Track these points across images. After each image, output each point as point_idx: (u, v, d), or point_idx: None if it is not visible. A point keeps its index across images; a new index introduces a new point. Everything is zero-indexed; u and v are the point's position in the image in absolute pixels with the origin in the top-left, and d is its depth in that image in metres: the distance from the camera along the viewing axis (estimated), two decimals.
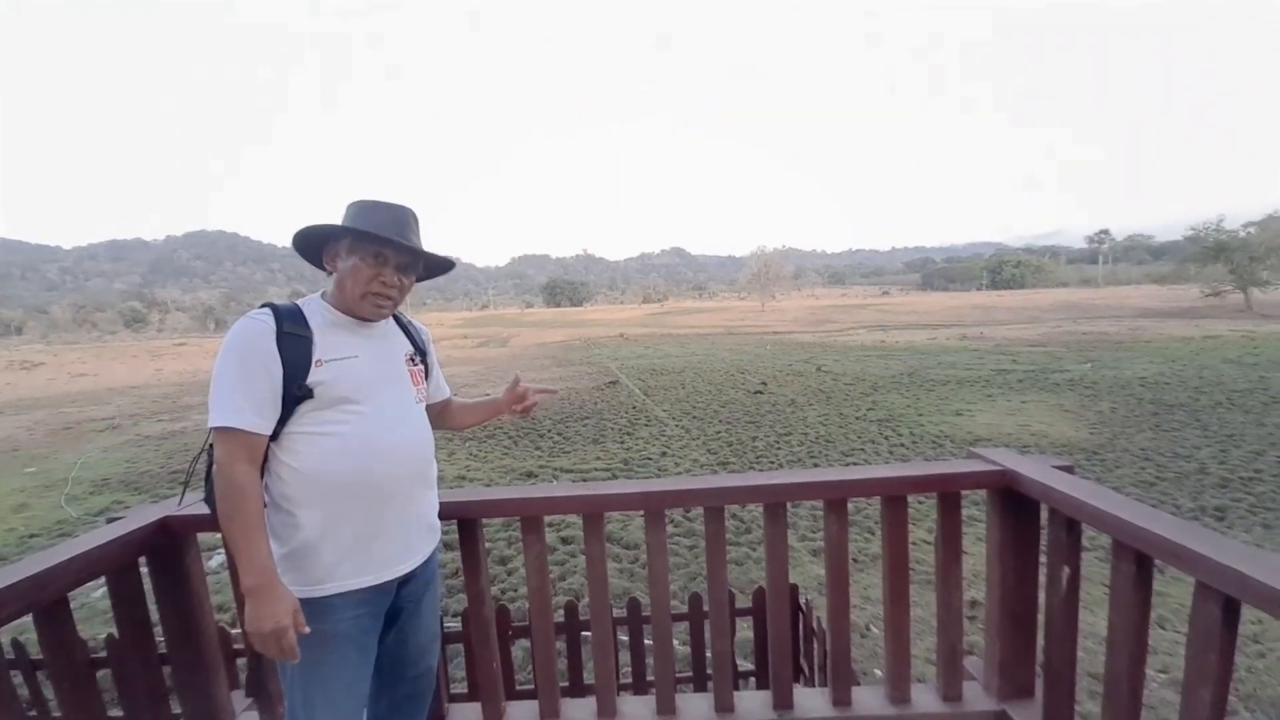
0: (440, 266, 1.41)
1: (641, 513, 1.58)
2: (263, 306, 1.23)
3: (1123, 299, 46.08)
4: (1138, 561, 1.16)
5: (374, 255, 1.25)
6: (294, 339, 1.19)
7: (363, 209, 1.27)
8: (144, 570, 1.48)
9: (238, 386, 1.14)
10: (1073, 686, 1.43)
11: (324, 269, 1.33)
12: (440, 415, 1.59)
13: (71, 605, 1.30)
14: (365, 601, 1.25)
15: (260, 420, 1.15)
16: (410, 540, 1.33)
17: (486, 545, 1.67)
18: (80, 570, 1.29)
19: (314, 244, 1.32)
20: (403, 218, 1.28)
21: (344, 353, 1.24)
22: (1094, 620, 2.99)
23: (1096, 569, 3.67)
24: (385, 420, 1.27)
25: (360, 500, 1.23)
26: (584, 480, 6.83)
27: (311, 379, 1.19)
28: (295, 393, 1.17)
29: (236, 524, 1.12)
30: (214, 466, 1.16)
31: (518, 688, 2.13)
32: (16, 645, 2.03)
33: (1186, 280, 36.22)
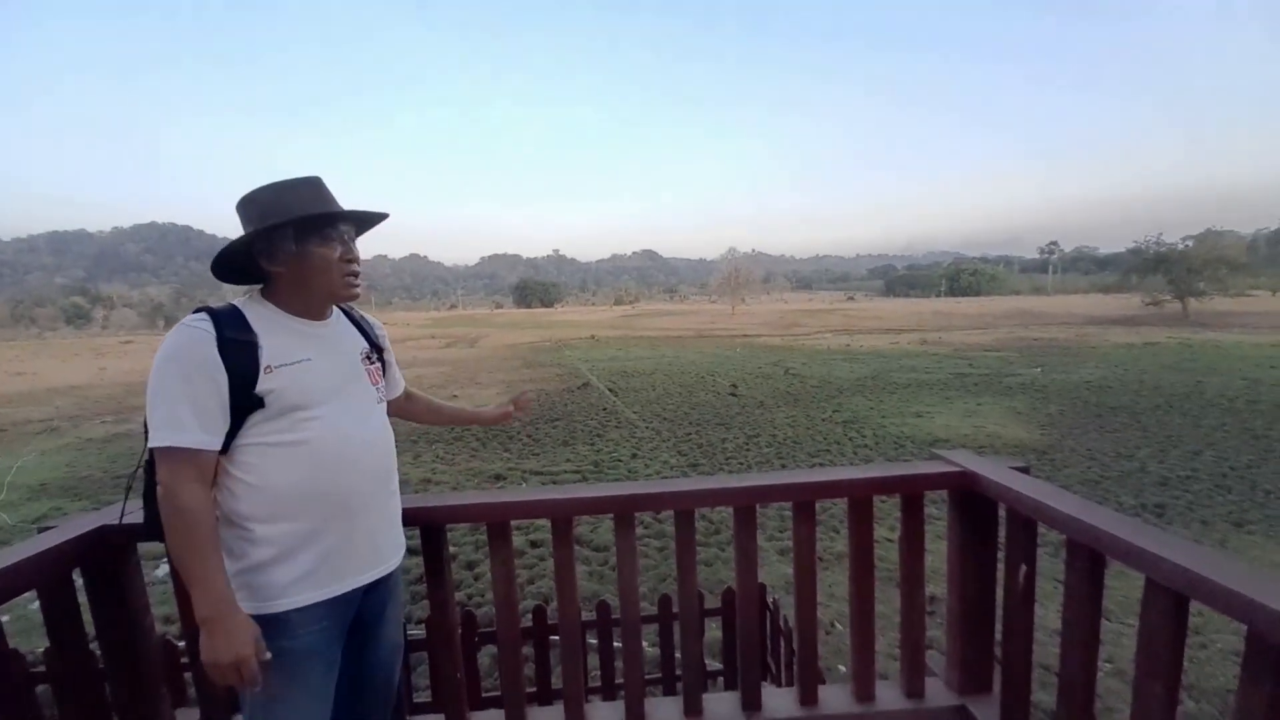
0: (371, 221, 1.32)
1: (611, 516, 1.56)
2: (197, 311, 1.13)
3: (1070, 307, 48.29)
4: (1091, 559, 1.20)
5: (327, 238, 1.17)
6: (237, 344, 1.10)
7: (278, 194, 1.16)
8: (80, 582, 1.39)
9: (180, 401, 1.05)
10: (1029, 680, 1.47)
11: (254, 280, 1.23)
12: (402, 410, 1.57)
13: (9, 616, 1.21)
14: (328, 614, 1.19)
15: (207, 436, 1.07)
16: (374, 550, 1.27)
17: (452, 550, 1.63)
18: (9, 584, 1.20)
19: (238, 259, 1.20)
20: (319, 185, 1.20)
21: (294, 356, 1.16)
22: (1045, 614, 3.10)
23: (1048, 565, 3.82)
24: (344, 426, 1.20)
25: (321, 512, 1.16)
26: (553, 483, 6.77)
27: (261, 387, 1.11)
28: (244, 403, 1.10)
29: (188, 551, 1.04)
30: (158, 489, 1.07)
31: (483, 695, 2.09)
32: None
33: (1129, 290, 38.24)
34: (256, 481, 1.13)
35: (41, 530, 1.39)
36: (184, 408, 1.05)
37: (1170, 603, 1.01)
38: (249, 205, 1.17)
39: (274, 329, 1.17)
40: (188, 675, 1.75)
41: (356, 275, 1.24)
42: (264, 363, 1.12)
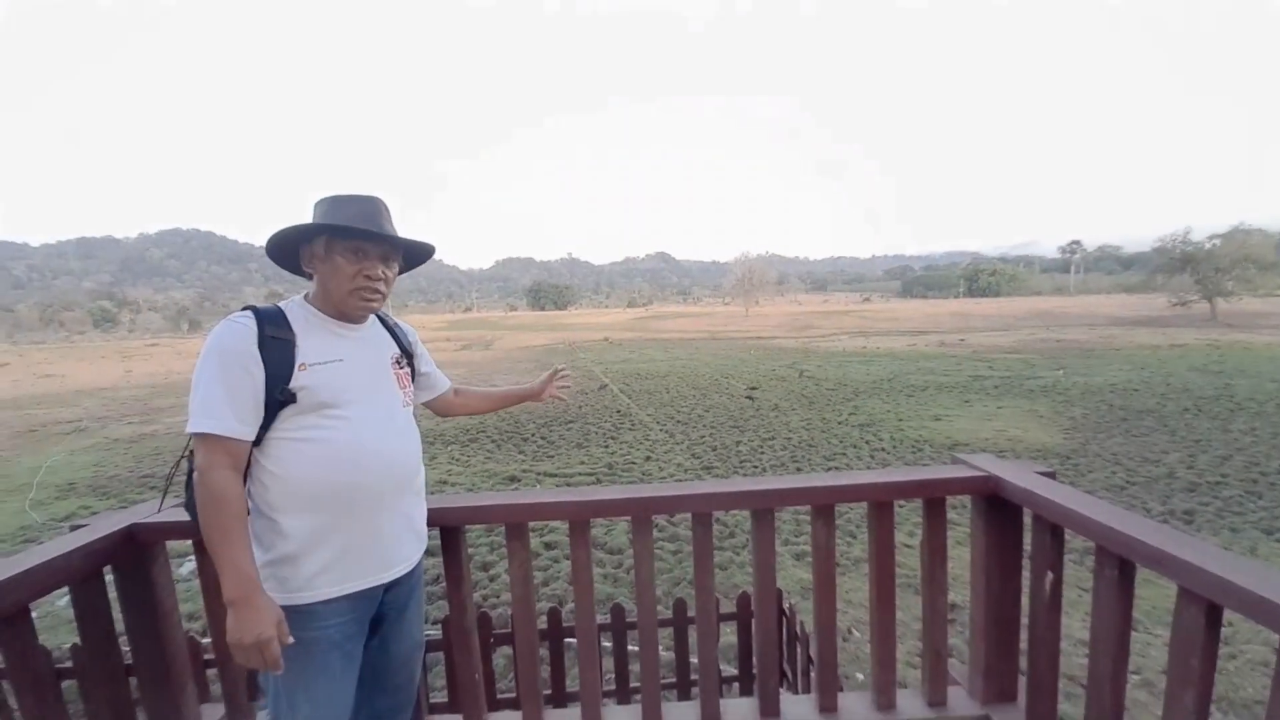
0: (420, 254, 1.40)
1: (628, 518, 1.56)
2: (244, 309, 1.20)
3: (1093, 308, 47.32)
4: (1120, 567, 1.17)
5: (353, 250, 1.22)
6: (276, 342, 1.16)
7: (332, 204, 1.24)
8: (110, 579, 1.42)
9: (219, 391, 1.11)
10: (1055, 690, 1.44)
11: (304, 274, 1.30)
12: (449, 405, 1.63)
13: (37, 613, 1.24)
14: (351, 608, 1.23)
15: (242, 426, 1.13)
16: (396, 548, 1.30)
17: (469, 551, 1.64)
18: (41, 580, 1.24)
19: (289, 249, 1.28)
20: (374, 208, 1.25)
21: (329, 356, 1.22)
22: (1070, 623, 3.04)
23: (1074, 572, 3.74)
24: (370, 426, 1.24)
25: (344, 508, 1.20)
26: (568, 485, 6.79)
27: (295, 383, 1.16)
28: (278, 397, 1.15)
29: (218, 532, 1.09)
30: (194, 473, 1.13)
31: (499, 697, 2.10)
32: None
33: (1154, 290, 37.35)
34: (284, 474, 1.17)
35: (74, 528, 1.43)
36: (221, 397, 1.11)
37: (1202, 611, 0.98)
38: (316, 207, 1.25)
39: (312, 329, 1.23)
40: (211, 672, 1.78)
41: (371, 293, 1.26)
42: (299, 360, 1.17)
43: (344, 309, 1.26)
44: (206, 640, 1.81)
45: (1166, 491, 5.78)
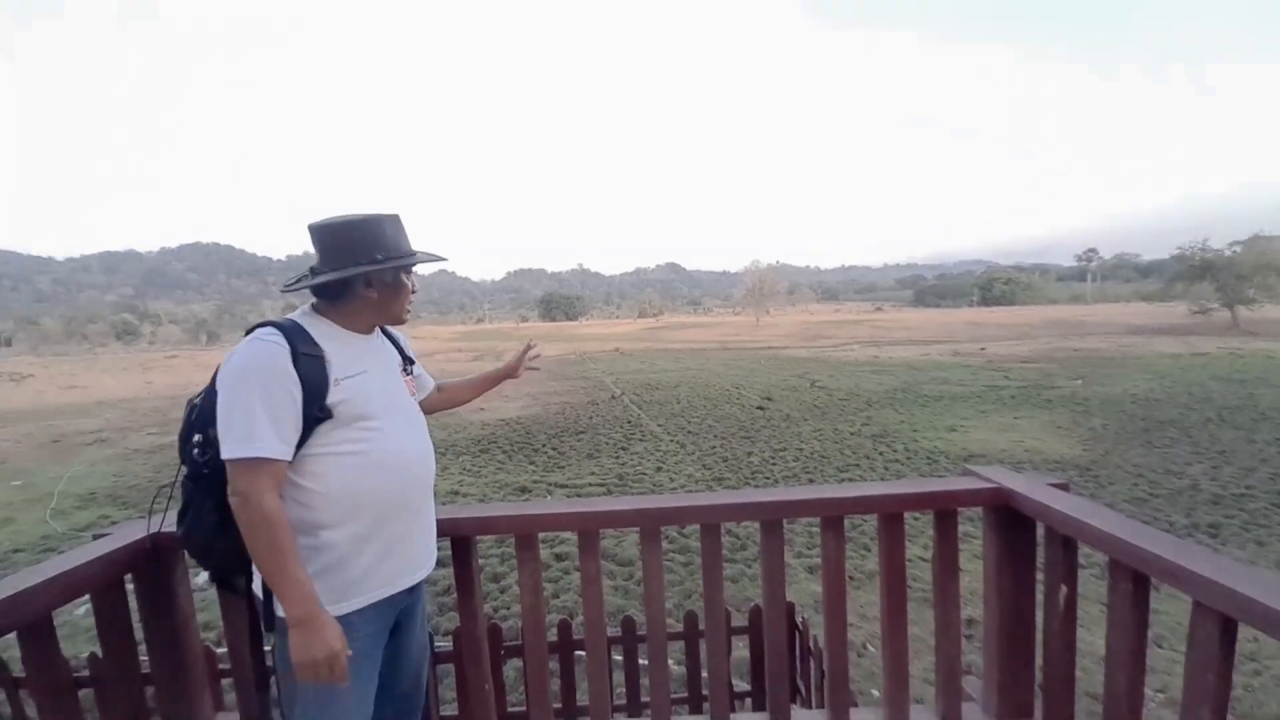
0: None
1: (637, 530, 1.57)
2: (266, 326, 1.18)
3: (1112, 316, 46.56)
4: (1135, 580, 1.16)
5: (411, 271, 1.32)
6: (310, 359, 1.16)
7: (382, 226, 1.25)
8: (130, 588, 1.45)
9: (261, 413, 1.09)
10: (1071, 706, 1.41)
11: (328, 295, 1.27)
12: (435, 401, 1.66)
13: (56, 622, 1.27)
14: (377, 616, 1.25)
15: (284, 447, 1.12)
16: (420, 553, 1.34)
17: (480, 562, 1.65)
18: (63, 589, 1.27)
19: (343, 279, 1.24)
20: (401, 222, 1.30)
21: (356, 369, 1.23)
22: (1088, 638, 2.97)
23: (1094, 587, 3.66)
24: (400, 433, 1.28)
25: (385, 514, 1.23)
26: (578, 496, 6.79)
27: (331, 399, 1.16)
28: (316, 414, 1.15)
29: (275, 554, 1.08)
30: (236, 499, 1.10)
31: (510, 710, 2.09)
32: None
33: (1174, 298, 36.64)
34: (324, 489, 1.18)
35: (96, 537, 1.46)
36: (263, 419, 1.09)
37: (1217, 625, 0.97)
38: (348, 230, 1.23)
39: (334, 343, 1.23)
40: (225, 682, 1.80)
41: (409, 303, 1.37)
42: (333, 376, 1.18)
43: (398, 322, 1.36)
44: (221, 650, 1.83)
45: (1190, 504, 5.66)
